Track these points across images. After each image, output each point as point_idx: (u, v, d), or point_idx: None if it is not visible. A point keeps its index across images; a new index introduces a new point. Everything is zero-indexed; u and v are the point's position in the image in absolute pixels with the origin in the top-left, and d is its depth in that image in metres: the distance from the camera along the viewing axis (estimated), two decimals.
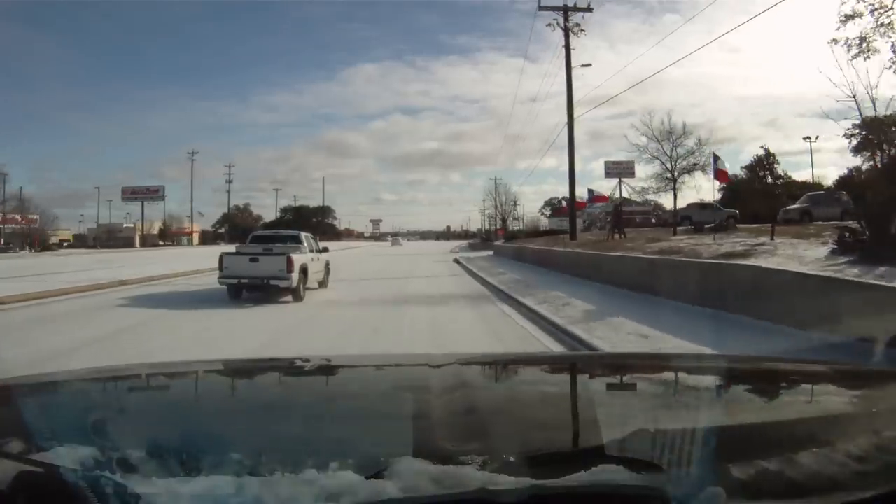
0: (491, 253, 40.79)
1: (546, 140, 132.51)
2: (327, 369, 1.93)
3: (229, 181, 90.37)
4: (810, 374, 1.72)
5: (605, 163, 47.44)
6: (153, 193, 79.33)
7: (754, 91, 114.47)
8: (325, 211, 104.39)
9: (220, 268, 12.88)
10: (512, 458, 0.90)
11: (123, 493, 0.74)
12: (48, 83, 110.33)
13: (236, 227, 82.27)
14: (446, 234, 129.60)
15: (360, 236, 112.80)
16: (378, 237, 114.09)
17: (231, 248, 14.90)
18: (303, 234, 15.25)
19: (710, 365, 1.79)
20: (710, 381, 1.59)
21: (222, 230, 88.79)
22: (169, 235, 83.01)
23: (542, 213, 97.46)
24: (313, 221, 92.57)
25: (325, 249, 16.13)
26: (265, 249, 13.29)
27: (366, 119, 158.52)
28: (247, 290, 12.84)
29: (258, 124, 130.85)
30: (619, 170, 45.69)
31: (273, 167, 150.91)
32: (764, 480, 0.83)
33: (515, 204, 76.10)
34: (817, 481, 0.83)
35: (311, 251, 14.50)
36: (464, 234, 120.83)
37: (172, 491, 0.78)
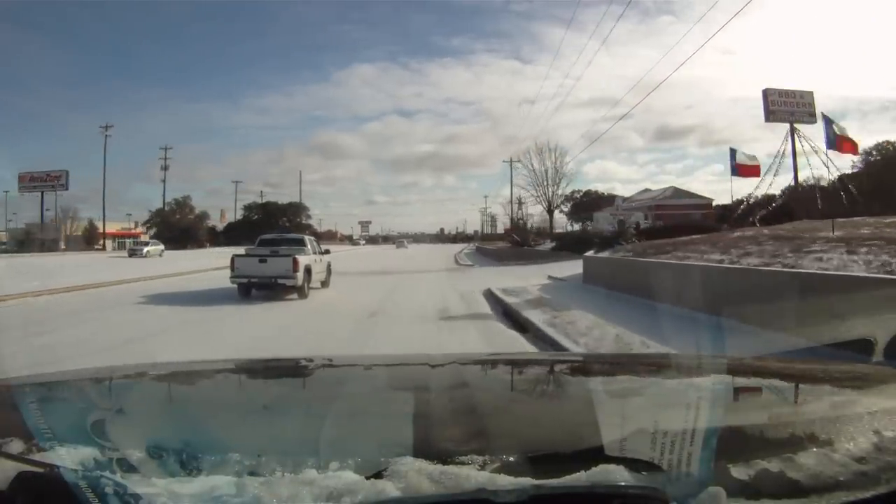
0: (574, 278, 16.28)
1: (540, 142, 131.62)
2: (327, 369, 1.93)
3: (165, 168, 69.82)
4: (810, 373, 1.72)
5: (766, 92, 27.88)
6: (54, 181, 60.68)
7: (749, 93, 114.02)
8: (296, 208, 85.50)
9: (232, 268, 13.95)
10: (512, 458, 0.90)
11: (123, 493, 0.74)
12: (38, 83, 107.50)
13: (171, 227, 68.68)
14: (440, 237, 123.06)
15: (344, 239, 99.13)
16: (353, 240, 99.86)
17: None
18: (306, 238, 16.59)
19: (710, 365, 1.78)
20: (710, 381, 1.59)
21: (152, 231, 71.11)
22: (95, 238, 66.20)
23: (562, 211, 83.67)
24: (282, 221, 76.93)
25: (327, 251, 17.24)
26: (272, 251, 14.31)
27: (359, 122, 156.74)
28: (256, 289, 13.90)
29: (250, 126, 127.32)
30: (790, 105, 27.06)
31: (265, 169, 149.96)
32: (764, 480, 0.83)
33: (558, 180, 51.14)
34: (817, 481, 0.83)
35: (314, 253, 15.55)
36: (461, 237, 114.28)
37: (172, 491, 0.78)
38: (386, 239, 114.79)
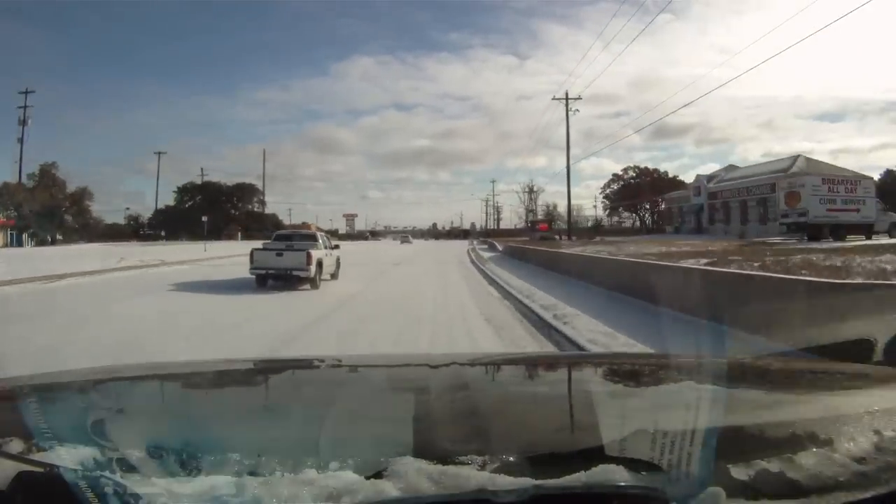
0: None
1: (537, 138, 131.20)
2: (326, 369, 1.93)
3: (22, 122, 47.97)
4: (810, 373, 1.72)
5: None
6: None
7: (749, 92, 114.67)
8: (244, 191, 65.64)
9: (251, 261, 15.41)
10: (512, 458, 0.90)
11: (123, 493, 0.74)
12: (32, 76, 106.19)
13: (28, 208, 45.25)
14: (433, 232, 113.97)
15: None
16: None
17: None
18: (318, 234, 18.22)
19: (710, 365, 1.78)
20: (710, 381, 1.59)
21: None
22: None
23: (605, 196, 67.22)
24: (227, 208, 61.48)
25: (337, 246, 18.61)
26: (287, 246, 15.84)
27: (355, 116, 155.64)
28: (272, 280, 15.24)
29: (245, 121, 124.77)
30: None
31: (258, 163, 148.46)
32: (764, 480, 0.83)
33: None
34: (817, 481, 0.83)
35: (325, 248, 16.90)
36: (457, 232, 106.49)
37: (172, 491, 0.78)
38: (374, 234, 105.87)
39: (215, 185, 66.28)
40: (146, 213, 65.05)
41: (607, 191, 69.87)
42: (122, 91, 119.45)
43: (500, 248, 40.43)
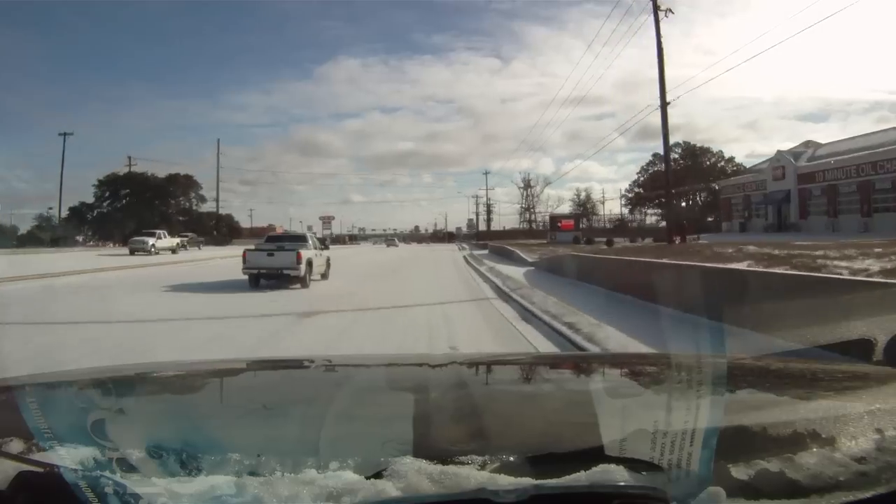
0: None
1: (524, 140, 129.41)
2: (326, 369, 1.93)
3: None
4: (810, 373, 1.72)
5: None
6: None
7: (732, 93, 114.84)
8: (180, 185, 52.25)
9: (244, 261, 15.96)
10: (512, 458, 0.90)
11: (123, 493, 0.74)
12: (9, 78, 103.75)
13: None
14: (416, 236, 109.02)
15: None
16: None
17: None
18: (308, 234, 19.04)
19: (710, 365, 1.78)
20: (710, 381, 1.59)
21: None
22: None
23: (638, 185, 53.88)
24: (157, 205, 49.59)
25: (327, 247, 19.24)
26: (278, 246, 16.35)
27: (337, 119, 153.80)
28: (264, 279, 15.80)
29: (227, 124, 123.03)
30: None
31: (243, 167, 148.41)
32: (764, 480, 0.83)
33: None
34: (817, 481, 0.83)
35: (315, 248, 17.40)
36: (440, 235, 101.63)
37: (172, 491, 0.78)
38: (353, 238, 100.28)
39: (141, 177, 52.07)
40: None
41: (643, 177, 54.58)
42: (101, 94, 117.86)
43: (527, 258, 23.50)
